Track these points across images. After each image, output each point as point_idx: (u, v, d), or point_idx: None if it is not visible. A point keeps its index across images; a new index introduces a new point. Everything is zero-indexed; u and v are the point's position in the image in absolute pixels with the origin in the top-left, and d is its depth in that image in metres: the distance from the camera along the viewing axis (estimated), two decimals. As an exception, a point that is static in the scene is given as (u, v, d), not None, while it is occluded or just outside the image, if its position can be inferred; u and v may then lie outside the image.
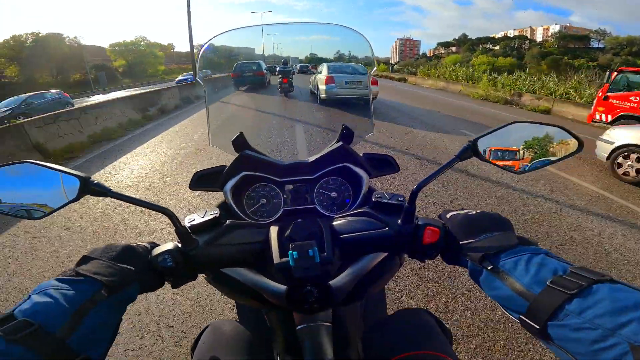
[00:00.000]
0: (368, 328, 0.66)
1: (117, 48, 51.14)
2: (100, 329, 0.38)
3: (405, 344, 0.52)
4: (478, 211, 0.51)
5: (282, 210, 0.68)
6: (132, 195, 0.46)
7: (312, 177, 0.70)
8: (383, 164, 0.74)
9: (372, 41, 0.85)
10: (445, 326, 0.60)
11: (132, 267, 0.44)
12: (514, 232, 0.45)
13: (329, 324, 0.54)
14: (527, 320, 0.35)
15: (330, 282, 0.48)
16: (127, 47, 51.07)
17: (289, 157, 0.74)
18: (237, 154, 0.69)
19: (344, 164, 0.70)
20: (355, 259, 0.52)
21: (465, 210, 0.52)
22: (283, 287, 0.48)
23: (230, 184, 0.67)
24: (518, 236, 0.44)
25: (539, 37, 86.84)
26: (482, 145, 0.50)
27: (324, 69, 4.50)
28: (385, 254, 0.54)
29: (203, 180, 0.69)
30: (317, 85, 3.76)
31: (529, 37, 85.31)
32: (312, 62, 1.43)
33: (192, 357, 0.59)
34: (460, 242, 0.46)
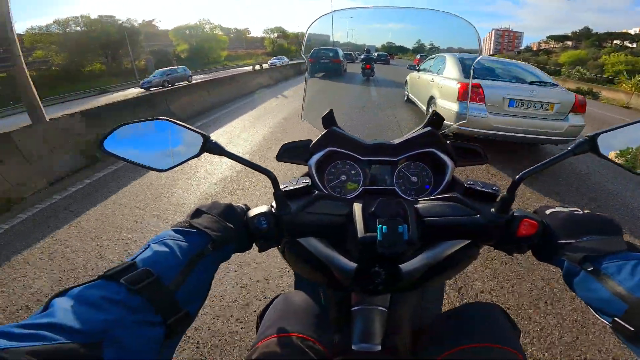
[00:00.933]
0: (429, 316, 0.64)
1: (182, 32, 48.30)
2: (200, 284, 0.40)
3: (471, 336, 0.51)
4: (586, 211, 0.48)
5: (361, 188, 0.69)
6: (242, 156, 0.50)
7: (396, 159, 0.70)
8: (470, 154, 0.71)
9: (456, 34, 0.80)
10: (515, 323, 0.57)
11: (232, 226, 0.47)
12: (623, 238, 0.43)
13: (384, 309, 0.55)
14: (621, 322, 0.35)
15: (401, 266, 0.48)
16: (190, 30, 48.00)
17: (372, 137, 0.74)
18: (324, 130, 0.71)
19: (430, 149, 0.69)
20: (431, 245, 0.51)
21: (570, 209, 0.49)
22: (353, 265, 0.49)
23: (315, 157, 0.68)
24: (627, 242, 0.41)
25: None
26: (602, 142, 0.46)
27: (447, 65, 3.09)
28: (465, 242, 0.52)
29: (289, 153, 0.71)
30: (433, 98, 2.78)
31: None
32: (391, 51, 1.37)
33: (257, 325, 0.60)
34: (559, 241, 0.45)
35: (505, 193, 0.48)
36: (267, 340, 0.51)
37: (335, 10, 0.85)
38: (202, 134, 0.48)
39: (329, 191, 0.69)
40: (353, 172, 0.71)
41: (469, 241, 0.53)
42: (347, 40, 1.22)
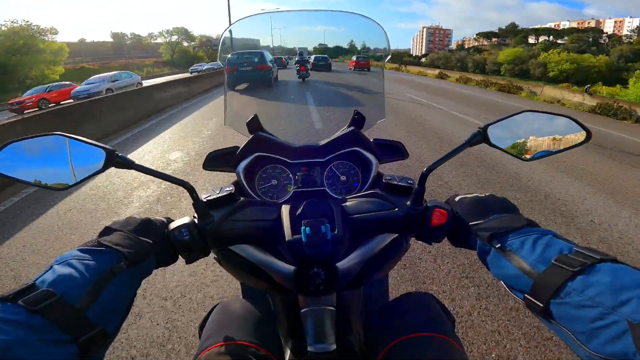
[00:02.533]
0: (373, 311, 0.66)
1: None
2: (117, 301, 0.39)
3: (409, 327, 0.54)
4: (487, 194, 0.52)
5: (292, 191, 0.70)
6: (154, 169, 0.47)
7: (323, 160, 0.71)
8: (393, 150, 0.75)
9: (372, 35, 0.83)
10: (449, 310, 0.61)
11: (149, 241, 0.45)
12: (522, 215, 0.47)
13: (332, 308, 0.55)
14: (530, 298, 0.36)
15: (338, 264, 0.49)
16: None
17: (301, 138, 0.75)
18: (250, 136, 0.71)
19: (355, 149, 0.71)
20: (362, 242, 0.53)
21: (474, 194, 0.53)
22: (291, 268, 0.49)
23: (243, 164, 0.68)
24: (526, 218, 0.45)
25: (607, 31, 72.65)
26: (492, 132, 0.51)
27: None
28: (393, 235, 0.55)
29: (217, 161, 0.70)
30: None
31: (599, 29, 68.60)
32: (326, 53, 1.34)
33: (199, 336, 0.59)
34: (470, 223, 0.47)
35: (416, 186, 0.50)
36: (208, 351, 0.50)
37: (256, 14, 0.86)
38: (104, 148, 0.45)
39: (261, 196, 0.69)
40: (284, 175, 0.71)
41: (396, 235, 0.55)
42: (273, 44, 1.17)
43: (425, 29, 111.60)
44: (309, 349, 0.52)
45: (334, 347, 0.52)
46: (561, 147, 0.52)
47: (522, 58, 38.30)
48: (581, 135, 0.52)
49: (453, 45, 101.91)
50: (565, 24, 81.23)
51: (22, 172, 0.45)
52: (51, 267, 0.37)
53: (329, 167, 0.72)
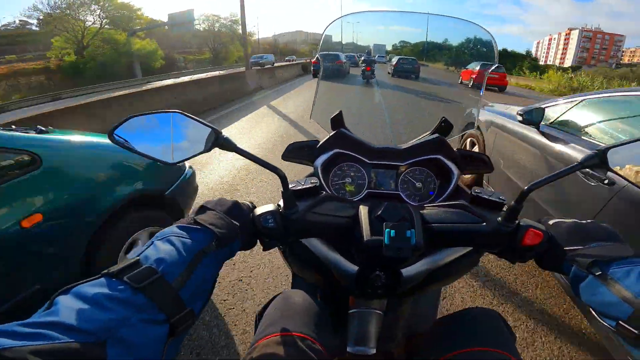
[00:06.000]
0: (420, 323, 0.65)
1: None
2: (204, 282, 0.40)
3: (469, 340, 0.51)
4: (588, 220, 0.49)
5: (365, 191, 0.70)
6: (253, 154, 0.49)
7: (402, 163, 0.70)
8: (476, 162, 0.72)
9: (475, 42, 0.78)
10: (510, 328, 0.58)
11: (237, 223, 0.46)
12: (627, 245, 0.44)
13: (381, 313, 0.54)
14: (626, 325, 0.35)
15: (402, 270, 0.49)
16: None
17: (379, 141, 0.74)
18: (333, 131, 0.71)
19: (437, 156, 0.69)
20: (433, 251, 0.52)
21: (573, 220, 0.50)
22: (354, 268, 0.50)
23: (322, 158, 0.69)
24: (633, 249, 0.42)
25: None
26: (613, 157, 0.45)
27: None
28: (467, 249, 0.53)
29: (296, 152, 0.71)
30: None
31: None
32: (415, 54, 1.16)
33: (256, 324, 0.60)
34: (565, 248, 0.46)
35: (513, 203, 0.48)
36: (266, 339, 0.50)
37: (352, 13, 0.86)
38: (214, 129, 0.48)
39: (333, 193, 0.69)
40: (358, 174, 0.71)
41: (471, 248, 0.54)
42: (354, 43, 1.14)
43: (581, 31, 77.05)
44: (348, 349, 0.52)
45: (373, 350, 0.51)
46: None
47: None
48: None
49: (623, 57, 71.06)
50: None
51: (138, 143, 0.47)
52: (152, 242, 0.39)
53: (405, 172, 0.71)
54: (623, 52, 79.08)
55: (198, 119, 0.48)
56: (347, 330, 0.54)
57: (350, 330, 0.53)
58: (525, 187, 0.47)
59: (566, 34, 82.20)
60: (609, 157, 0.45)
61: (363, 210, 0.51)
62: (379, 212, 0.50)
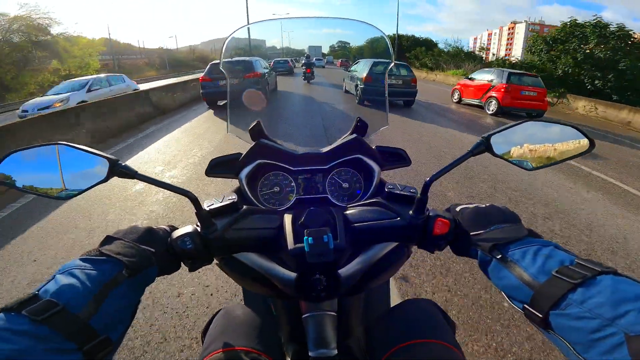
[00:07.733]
0: (374, 318, 0.67)
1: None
2: (120, 310, 0.39)
3: (410, 333, 0.54)
4: (487, 204, 0.52)
5: (294, 198, 0.70)
6: (157, 179, 0.47)
7: (325, 167, 0.72)
8: (395, 157, 0.76)
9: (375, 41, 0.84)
10: (449, 317, 0.61)
11: (152, 249, 0.45)
12: (523, 225, 0.47)
13: (334, 314, 0.55)
14: (530, 309, 0.36)
15: (340, 271, 0.50)
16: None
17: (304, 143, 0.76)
18: (252, 143, 0.71)
19: (357, 156, 0.71)
20: (364, 249, 0.53)
21: (475, 204, 0.53)
22: (293, 275, 0.50)
23: (245, 171, 0.69)
24: (527, 229, 0.45)
25: None
26: (495, 142, 0.51)
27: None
28: (395, 244, 0.55)
29: (219, 167, 0.71)
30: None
31: None
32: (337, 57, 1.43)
33: (202, 342, 0.59)
34: (471, 233, 0.48)
35: (419, 195, 0.51)
36: (210, 357, 0.51)
37: (254, 22, 0.87)
38: (108, 158, 0.45)
39: (263, 204, 0.69)
40: (286, 182, 0.72)
41: (397, 243, 0.56)
42: (281, 46, 1.22)
43: (527, 24, 76.71)
44: (310, 354, 0.52)
45: (335, 352, 0.52)
46: (564, 157, 0.52)
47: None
48: (584, 144, 0.51)
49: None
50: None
51: (24, 181, 0.44)
52: (54, 277, 0.38)
53: (331, 175, 0.73)
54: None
55: (87, 148, 0.45)
56: (306, 336, 0.54)
57: (309, 335, 0.53)
58: (427, 179, 0.50)
59: (509, 28, 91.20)
60: (492, 142, 0.51)
61: (287, 220, 0.52)
62: (302, 220, 0.51)
